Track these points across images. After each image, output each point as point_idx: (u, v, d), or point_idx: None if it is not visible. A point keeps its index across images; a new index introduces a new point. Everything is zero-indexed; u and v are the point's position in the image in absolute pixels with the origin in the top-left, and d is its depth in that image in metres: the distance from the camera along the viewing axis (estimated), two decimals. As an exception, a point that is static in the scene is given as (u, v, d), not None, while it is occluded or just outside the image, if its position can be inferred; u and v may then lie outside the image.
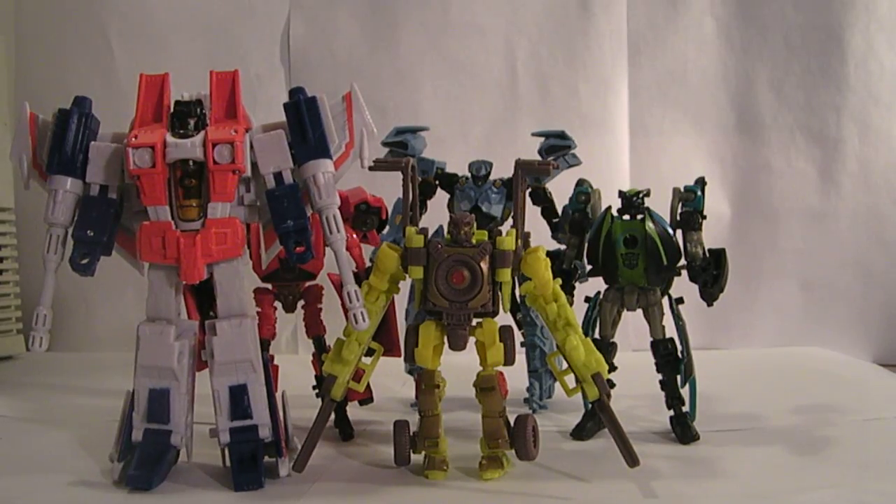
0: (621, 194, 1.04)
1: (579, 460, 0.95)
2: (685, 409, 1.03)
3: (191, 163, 0.84)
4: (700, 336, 1.34)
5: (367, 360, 0.91)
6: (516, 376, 0.99)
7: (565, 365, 0.88)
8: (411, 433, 0.90)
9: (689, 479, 0.89)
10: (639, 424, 1.08)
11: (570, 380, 0.89)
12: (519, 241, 0.87)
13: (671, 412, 1.04)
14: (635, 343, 1.41)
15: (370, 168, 0.90)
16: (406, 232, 0.88)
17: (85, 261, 0.85)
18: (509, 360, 0.88)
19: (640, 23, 1.77)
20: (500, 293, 0.88)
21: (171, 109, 0.87)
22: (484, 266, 0.84)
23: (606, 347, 1.03)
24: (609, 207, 1.05)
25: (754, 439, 1.03)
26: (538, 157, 1.16)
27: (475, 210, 1.13)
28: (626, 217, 1.04)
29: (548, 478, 0.89)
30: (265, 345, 1.03)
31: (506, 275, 0.85)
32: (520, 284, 0.98)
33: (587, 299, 1.07)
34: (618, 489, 0.85)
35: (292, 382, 1.05)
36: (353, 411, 1.08)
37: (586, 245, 1.07)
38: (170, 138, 0.84)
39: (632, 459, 0.85)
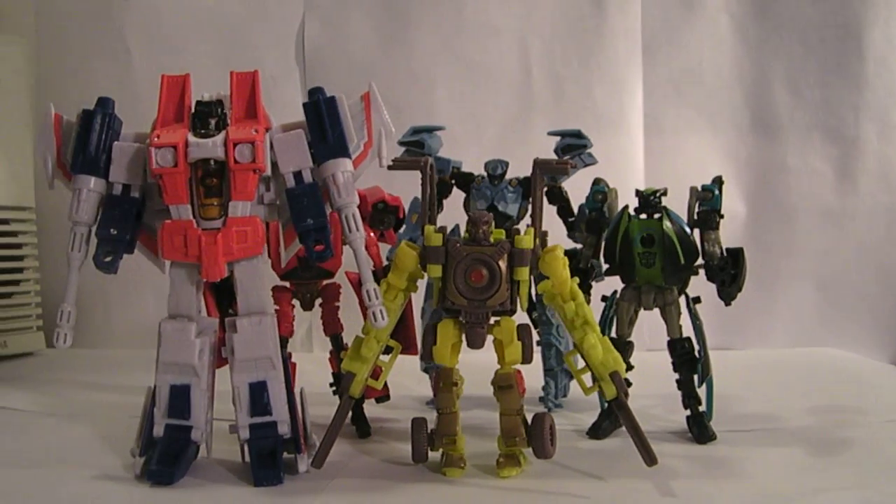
0: (638, 193, 1.04)
1: (596, 459, 0.95)
2: (702, 408, 1.03)
3: (212, 162, 0.85)
4: (716, 336, 1.34)
5: (384, 358, 0.92)
6: (532, 375, 0.99)
7: (583, 363, 0.89)
8: (429, 431, 0.90)
9: (706, 478, 0.89)
10: (655, 424, 1.08)
11: (587, 378, 0.89)
12: (537, 239, 0.88)
13: (688, 412, 1.04)
14: (650, 342, 1.41)
15: (389, 167, 0.91)
16: (424, 230, 0.88)
17: (108, 259, 0.86)
18: (527, 358, 0.88)
19: (654, 21, 1.77)
20: (517, 292, 0.88)
21: (193, 109, 0.88)
22: (502, 265, 0.85)
23: (623, 346, 1.04)
24: (626, 206, 1.05)
25: (771, 440, 1.03)
26: (554, 157, 1.17)
27: (491, 209, 1.14)
28: (644, 216, 1.04)
29: (565, 476, 0.89)
30: (283, 342, 1.04)
31: (524, 273, 0.86)
32: (536, 283, 0.99)
33: (604, 298, 1.07)
34: (635, 488, 0.85)
35: (308, 380, 1.05)
36: (370, 409, 1.09)
37: (603, 244, 1.07)
38: (191, 138, 0.84)
39: (649, 458, 0.85)
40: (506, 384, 0.89)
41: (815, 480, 0.87)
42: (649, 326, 1.16)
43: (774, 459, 0.95)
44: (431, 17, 1.76)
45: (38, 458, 0.97)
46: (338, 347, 1.09)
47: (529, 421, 0.89)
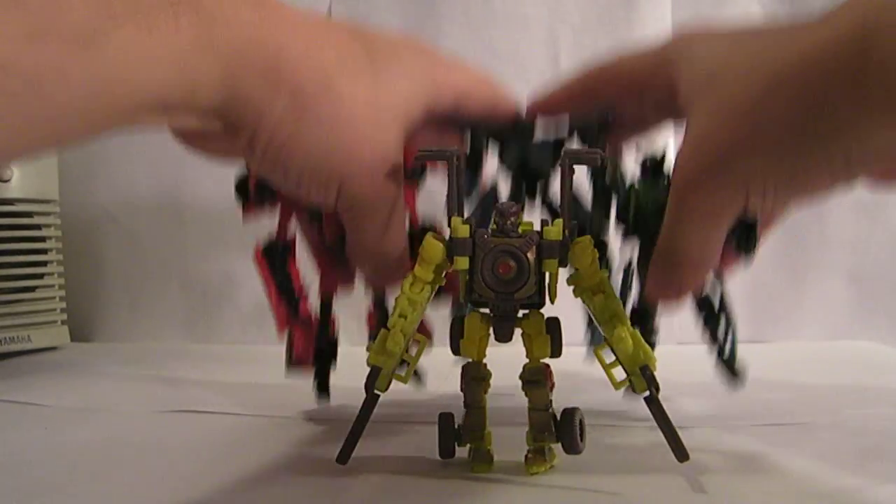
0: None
1: (626, 454, 0.94)
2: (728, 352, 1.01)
3: None
4: (748, 328, 1.33)
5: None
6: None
7: (612, 357, 0.87)
8: (456, 426, 0.89)
9: (738, 473, 0.87)
10: (686, 418, 1.06)
11: (617, 373, 0.88)
12: (566, 231, 0.86)
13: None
14: (681, 336, 1.40)
15: (416, 158, 0.89)
16: (451, 222, 0.87)
17: None
18: (556, 352, 0.87)
19: (684, 13, 1.74)
20: (546, 285, 0.86)
21: None
22: (531, 256, 0.83)
23: (645, 315, 1.02)
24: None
25: (804, 434, 1.01)
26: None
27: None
28: None
29: (595, 471, 0.88)
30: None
31: (553, 265, 0.84)
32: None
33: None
34: (666, 483, 0.84)
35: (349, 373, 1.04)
36: (396, 404, 1.08)
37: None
38: None
39: (681, 454, 0.83)
40: (534, 378, 0.87)
41: (850, 475, 0.86)
42: (680, 319, 1.14)
43: (808, 454, 0.93)
44: (459, 7, 1.75)
45: (61, 453, 0.97)
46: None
47: (559, 416, 0.87)
